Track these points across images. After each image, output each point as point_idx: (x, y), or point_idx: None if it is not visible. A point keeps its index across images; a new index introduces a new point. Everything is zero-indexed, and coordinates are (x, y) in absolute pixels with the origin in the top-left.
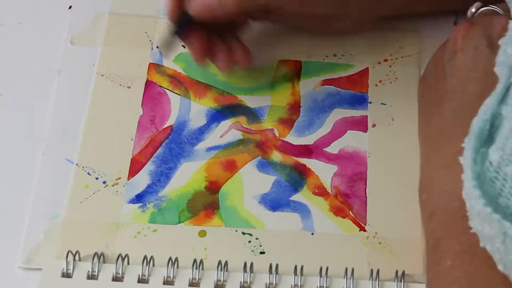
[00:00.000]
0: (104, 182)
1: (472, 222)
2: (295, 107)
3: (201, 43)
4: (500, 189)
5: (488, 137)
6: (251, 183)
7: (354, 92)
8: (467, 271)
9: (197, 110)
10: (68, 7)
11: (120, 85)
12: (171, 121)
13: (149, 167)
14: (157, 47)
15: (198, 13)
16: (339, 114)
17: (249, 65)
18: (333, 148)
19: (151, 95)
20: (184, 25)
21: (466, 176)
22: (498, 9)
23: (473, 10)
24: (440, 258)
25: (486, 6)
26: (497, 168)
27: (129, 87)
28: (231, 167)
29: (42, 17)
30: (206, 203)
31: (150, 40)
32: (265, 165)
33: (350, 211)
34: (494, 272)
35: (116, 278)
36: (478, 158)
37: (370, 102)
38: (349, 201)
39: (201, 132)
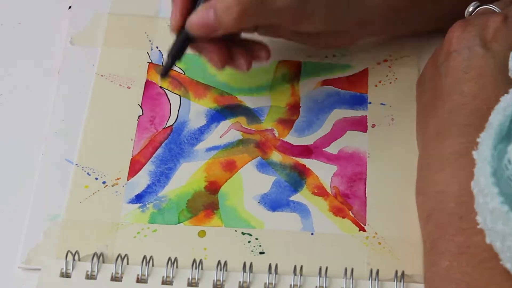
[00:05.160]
0: (104, 183)
1: (481, 218)
2: (294, 108)
3: (218, 52)
4: None
5: (506, 135)
6: (250, 183)
7: (354, 93)
8: (465, 272)
9: (196, 110)
10: (68, 7)
11: (120, 85)
12: (170, 122)
13: (149, 167)
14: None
15: (197, 33)
16: (338, 114)
17: (269, 58)
18: (332, 148)
19: (151, 95)
20: (185, 45)
21: (483, 172)
22: (495, 8)
23: (470, 9)
24: (437, 259)
25: (483, 5)
26: None
27: (128, 87)
28: (231, 168)
29: (42, 17)
30: (205, 203)
31: (150, 41)
32: (265, 165)
33: (350, 211)
34: (493, 273)
35: (115, 278)
36: (495, 154)
37: (370, 103)
38: (349, 201)
39: (201, 132)
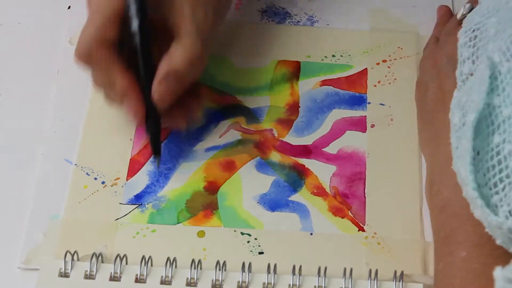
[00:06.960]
0: (103, 183)
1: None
2: (294, 107)
3: (183, 113)
4: (488, 179)
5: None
6: (250, 183)
7: (353, 93)
8: (485, 263)
9: None
10: (67, 7)
11: None
12: None
13: (148, 167)
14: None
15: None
16: (338, 114)
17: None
18: (332, 148)
19: None
20: (158, 122)
21: (464, 162)
22: None
23: (464, 12)
24: (454, 249)
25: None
26: (497, 155)
27: None
28: (230, 168)
29: (42, 17)
30: (205, 204)
31: None
32: (264, 165)
33: (349, 211)
34: None
35: (114, 278)
36: (476, 149)
37: (369, 103)
38: (348, 201)
39: (200, 132)
